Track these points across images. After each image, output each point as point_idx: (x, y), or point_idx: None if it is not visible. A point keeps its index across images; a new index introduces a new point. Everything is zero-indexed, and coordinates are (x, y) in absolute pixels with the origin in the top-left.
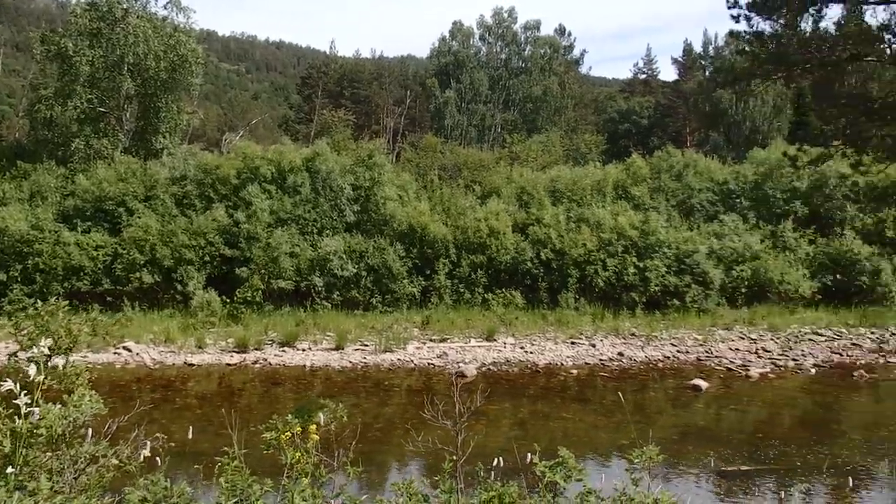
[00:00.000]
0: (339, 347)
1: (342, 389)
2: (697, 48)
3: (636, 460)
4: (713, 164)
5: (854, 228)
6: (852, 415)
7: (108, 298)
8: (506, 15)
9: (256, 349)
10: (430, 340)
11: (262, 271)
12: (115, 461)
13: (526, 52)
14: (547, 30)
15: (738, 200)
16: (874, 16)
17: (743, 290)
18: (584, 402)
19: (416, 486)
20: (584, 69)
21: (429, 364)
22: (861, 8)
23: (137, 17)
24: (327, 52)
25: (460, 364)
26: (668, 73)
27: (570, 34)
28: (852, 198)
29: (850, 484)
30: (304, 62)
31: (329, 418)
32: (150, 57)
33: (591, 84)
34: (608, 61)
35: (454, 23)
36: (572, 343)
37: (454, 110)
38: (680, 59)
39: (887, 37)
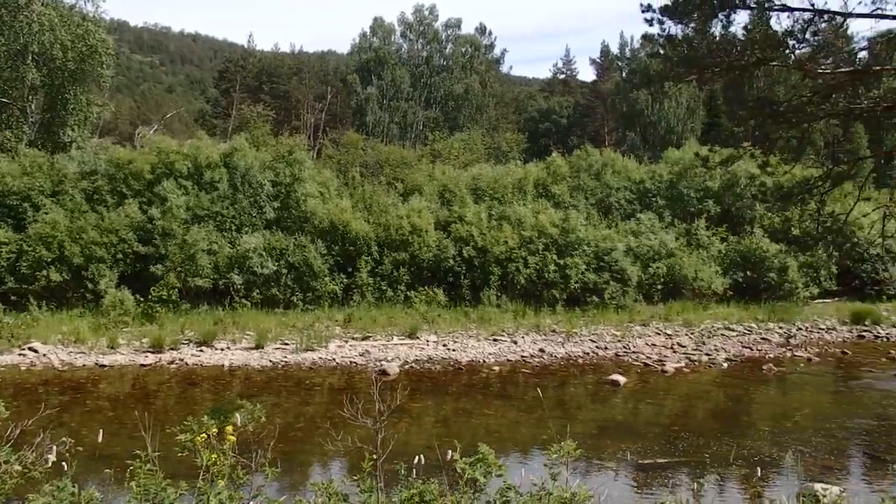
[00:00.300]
0: (258, 346)
1: (262, 389)
2: (615, 50)
3: (554, 455)
4: (630, 163)
5: (763, 227)
6: (761, 407)
7: (13, 298)
8: (427, 12)
9: (172, 349)
10: (353, 339)
11: (179, 269)
12: (17, 467)
13: (447, 50)
14: (468, 28)
15: (654, 199)
16: (779, 22)
17: (659, 287)
18: (506, 399)
19: (337, 485)
20: (504, 68)
21: (351, 362)
22: (767, 14)
23: (43, 4)
24: (245, 46)
25: (383, 362)
26: (586, 74)
27: (490, 33)
28: (760, 197)
29: (759, 473)
30: (221, 55)
31: (246, 419)
32: (57, 47)
33: (512, 83)
34: (528, 61)
35: (375, 19)
36: (494, 340)
37: (376, 107)
38: (598, 60)
39: (791, 42)
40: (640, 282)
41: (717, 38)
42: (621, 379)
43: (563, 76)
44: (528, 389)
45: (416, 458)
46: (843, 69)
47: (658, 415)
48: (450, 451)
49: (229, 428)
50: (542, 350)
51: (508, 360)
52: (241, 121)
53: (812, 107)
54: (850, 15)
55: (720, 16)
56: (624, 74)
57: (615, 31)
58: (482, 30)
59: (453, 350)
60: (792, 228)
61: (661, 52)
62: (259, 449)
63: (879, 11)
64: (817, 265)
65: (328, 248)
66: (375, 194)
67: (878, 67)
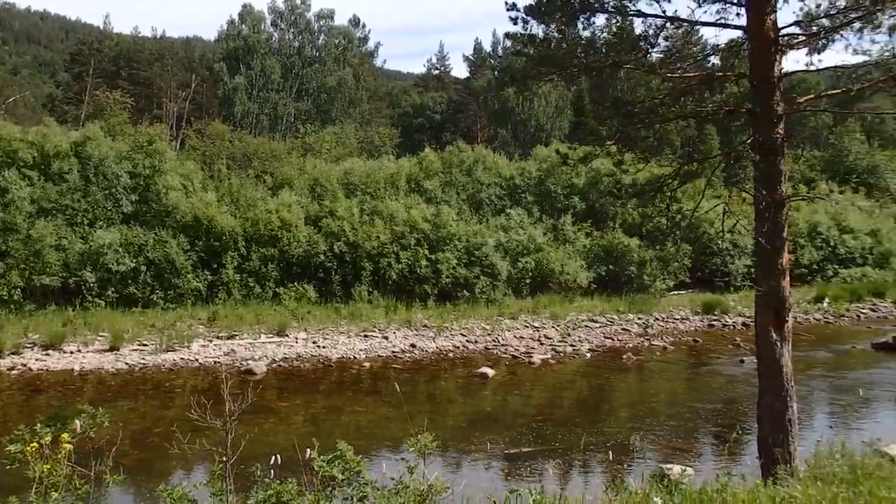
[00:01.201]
0: (113, 348)
1: (118, 394)
2: (487, 48)
3: (411, 449)
4: (501, 160)
5: (623, 223)
6: (621, 394)
7: None
8: (298, 2)
9: (14, 353)
10: (217, 338)
11: (22, 266)
12: None
13: (320, 42)
14: (341, 20)
15: (523, 195)
16: (634, 26)
17: (528, 281)
18: (377, 395)
19: (188, 490)
20: (378, 62)
21: (215, 362)
22: (625, 19)
23: None
24: (101, 28)
25: (249, 361)
26: (460, 71)
27: (364, 26)
28: (615, 194)
29: (611, 457)
30: (74, 36)
31: (87, 425)
32: None
33: (386, 77)
34: (403, 56)
35: (244, 6)
36: (365, 336)
37: (244, 97)
38: (471, 57)
39: (645, 46)
40: (510, 276)
41: (577, 40)
42: (490, 371)
43: (437, 72)
44: (400, 385)
45: (273, 457)
46: (690, 74)
47: (525, 405)
48: (308, 450)
49: (65, 436)
50: (413, 345)
51: (379, 356)
52: (96, 108)
53: (663, 108)
54: (698, 23)
55: (581, 18)
56: (496, 73)
57: (488, 29)
58: (356, 22)
59: (323, 347)
60: (646, 224)
61: (524, 50)
62: (101, 457)
63: (723, 21)
64: (666, 259)
65: (191, 244)
66: (243, 188)
67: (720, 73)
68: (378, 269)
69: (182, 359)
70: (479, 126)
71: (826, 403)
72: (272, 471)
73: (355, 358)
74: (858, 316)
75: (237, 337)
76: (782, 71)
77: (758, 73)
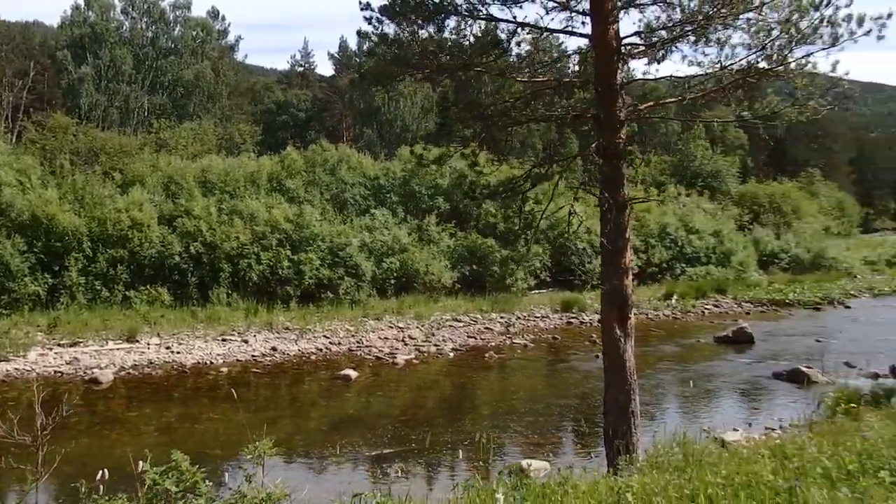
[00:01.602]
0: None
1: None
2: (353, 46)
3: (248, 456)
4: (365, 159)
5: (476, 224)
6: (483, 392)
7: None
8: None
9: None
10: (59, 345)
11: None
12: None
13: (175, 33)
14: (199, 11)
15: (388, 195)
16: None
17: (392, 282)
18: (236, 401)
19: None
20: (239, 56)
21: (55, 372)
22: (476, 22)
23: None
24: None
25: (94, 370)
26: (326, 68)
27: (224, 18)
28: (469, 195)
29: (469, 455)
30: None
31: None
32: None
33: (248, 73)
34: (266, 51)
35: None
36: (223, 340)
37: (91, 89)
38: (336, 55)
39: (495, 51)
40: (375, 276)
41: (427, 41)
42: (353, 373)
43: (301, 69)
44: (260, 389)
45: (100, 472)
46: (539, 78)
47: (388, 406)
48: (140, 462)
49: None
50: (274, 348)
51: (238, 361)
52: None
53: (515, 112)
54: (547, 30)
55: (435, 19)
56: (361, 71)
57: (354, 27)
58: (214, 14)
59: (178, 353)
60: (508, 224)
61: (376, 50)
62: None
63: (570, 28)
64: (518, 259)
65: (29, 245)
66: (88, 185)
67: (568, 79)
68: (237, 271)
69: (16, 369)
70: (345, 125)
71: (673, 394)
72: (100, 486)
73: (212, 363)
74: (703, 311)
75: (81, 344)
76: (624, 79)
77: (601, 80)
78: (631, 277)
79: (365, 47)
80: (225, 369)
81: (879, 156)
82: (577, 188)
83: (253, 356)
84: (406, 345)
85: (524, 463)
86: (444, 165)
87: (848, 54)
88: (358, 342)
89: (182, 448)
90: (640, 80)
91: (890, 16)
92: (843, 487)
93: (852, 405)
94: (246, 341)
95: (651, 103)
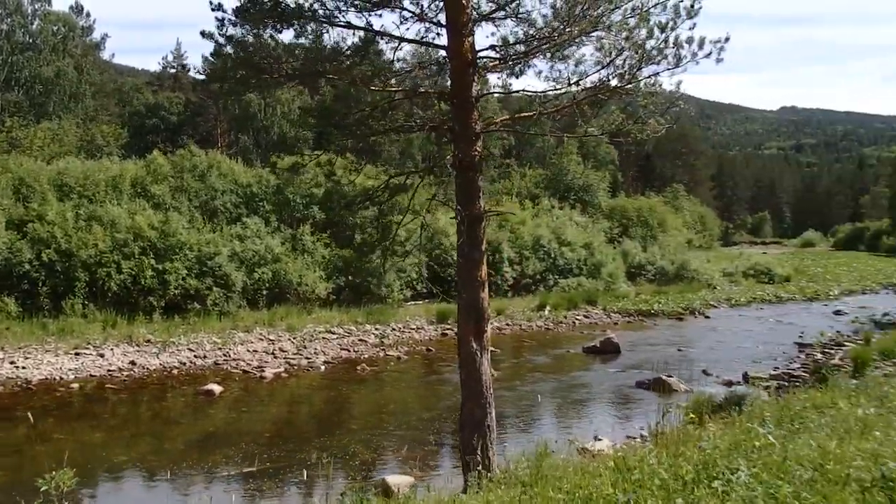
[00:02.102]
0: None
1: None
2: (229, 49)
3: (44, 488)
4: (237, 166)
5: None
6: (353, 406)
7: None
8: None
9: None
10: None
11: None
12: None
13: (34, 27)
14: (60, 6)
15: (261, 204)
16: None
17: (264, 292)
18: (88, 419)
19: None
20: (106, 55)
21: None
22: (317, 27)
23: None
24: None
25: None
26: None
27: (88, 14)
28: (326, 205)
29: (333, 472)
30: None
31: None
32: None
33: (116, 72)
34: (136, 51)
35: None
36: (77, 354)
37: None
38: (210, 57)
39: (350, 59)
40: (245, 287)
41: (275, 46)
42: (217, 388)
43: (173, 70)
44: (116, 406)
45: None
46: (394, 88)
47: (253, 423)
48: None
49: None
50: (133, 363)
51: (93, 376)
52: None
53: (374, 121)
54: (404, 39)
55: (293, 25)
56: (238, 75)
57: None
58: (78, 9)
59: (23, 368)
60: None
61: (223, 51)
62: None
63: (427, 40)
64: (373, 272)
65: None
66: None
67: (424, 90)
68: (95, 280)
69: None
70: (220, 131)
71: (543, 405)
72: None
73: (62, 379)
74: (574, 322)
75: None
76: (479, 91)
77: (457, 92)
78: (487, 290)
79: (211, 49)
80: (76, 385)
81: (738, 173)
82: (429, 200)
83: (109, 371)
84: (276, 358)
85: (390, 479)
86: (299, 174)
87: (710, 77)
88: (225, 355)
89: (16, 473)
90: (494, 93)
91: (728, 39)
92: (679, 499)
93: (698, 415)
94: (102, 355)
95: (507, 117)
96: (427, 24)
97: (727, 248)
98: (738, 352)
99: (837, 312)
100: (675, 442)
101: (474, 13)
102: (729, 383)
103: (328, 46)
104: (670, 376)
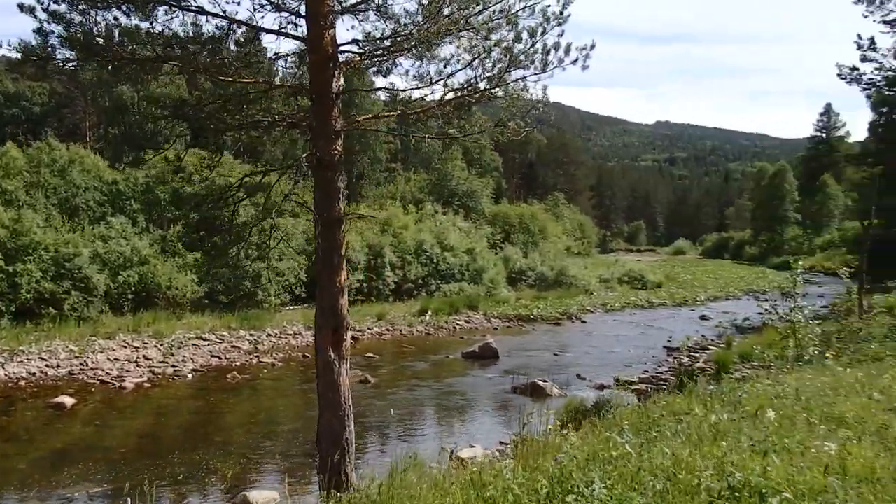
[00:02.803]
0: None
1: None
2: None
3: None
4: (102, 162)
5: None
6: (219, 417)
7: None
8: None
9: None
10: None
11: None
12: None
13: None
14: None
15: (128, 202)
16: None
17: (130, 297)
18: None
19: None
20: None
21: None
22: (184, 14)
23: None
24: None
25: None
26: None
27: None
28: (176, 203)
29: (184, 489)
30: None
31: None
32: None
33: None
34: None
35: None
36: None
37: None
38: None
39: (191, 45)
40: (109, 291)
41: (113, 26)
42: (69, 401)
43: (35, 58)
44: None
45: None
46: (246, 80)
47: (107, 438)
48: None
49: None
50: None
51: None
52: None
53: (229, 115)
54: (262, 29)
55: (142, 7)
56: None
57: None
58: None
59: None
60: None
61: (44, 28)
62: None
63: (286, 31)
64: (219, 275)
65: None
66: None
67: (280, 84)
68: None
69: None
70: (89, 124)
71: (419, 412)
72: None
73: None
74: (455, 327)
75: None
76: (341, 87)
77: (316, 88)
78: (346, 297)
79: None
80: None
81: (615, 183)
82: (281, 201)
83: None
84: (139, 366)
85: (250, 495)
86: (141, 168)
87: (592, 90)
88: (82, 364)
89: None
90: (355, 90)
91: (593, 47)
92: None
93: (567, 420)
94: None
95: (369, 115)
96: (285, 15)
97: (604, 255)
98: (611, 356)
99: (703, 317)
100: (535, 452)
101: (336, 5)
102: (601, 387)
103: (176, 32)
104: (545, 381)
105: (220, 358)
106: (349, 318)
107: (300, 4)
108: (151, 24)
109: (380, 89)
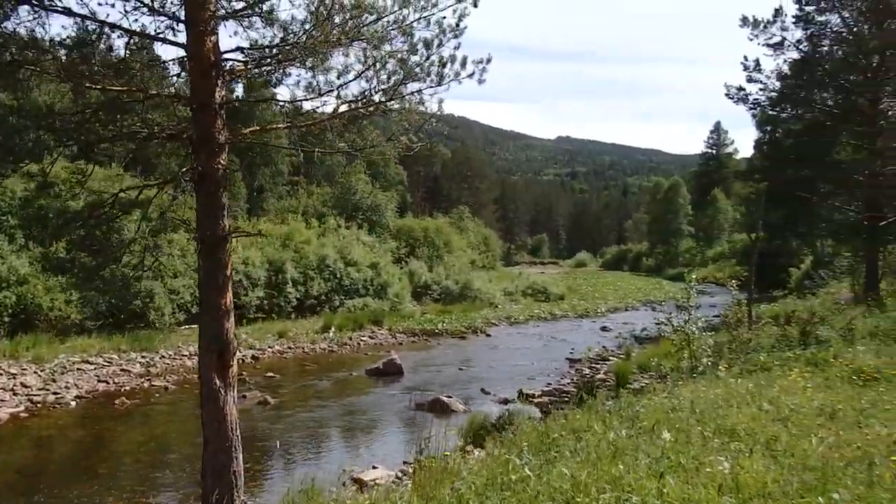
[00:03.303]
0: None
1: None
2: None
3: None
4: None
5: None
6: (104, 447)
7: None
8: None
9: None
10: None
11: None
12: None
13: None
14: None
15: (4, 218)
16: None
17: (7, 319)
18: None
19: None
20: None
21: None
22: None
23: None
24: None
25: None
26: None
27: None
28: (43, 221)
29: None
30: None
31: None
32: None
33: None
34: None
35: None
36: None
37: None
38: None
39: (53, 48)
40: None
41: None
42: None
43: None
44: None
45: None
46: (115, 88)
47: None
48: None
49: None
50: None
51: None
52: None
53: (101, 126)
54: (137, 34)
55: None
56: None
57: None
58: None
59: None
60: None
61: None
62: None
63: (164, 35)
64: (108, 294)
65: None
66: None
67: (155, 92)
68: None
69: None
70: None
71: (319, 433)
72: None
73: None
74: (359, 343)
75: None
76: (224, 97)
77: (197, 97)
78: (233, 320)
79: None
80: None
81: (519, 197)
82: (157, 217)
83: None
84: (16, 395)
85: None
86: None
87: (494, 105)
88: None
89: None
90: (241, 101)
91: (489, 61)
92: None
93: (469, 439)
94: None
95: (257, 128)
96: (163, 19)
97: (509, 268)
98: (515, 369)
99: (604, 328)
100: (433, 478)
101: (220, 9)
102: (505, 401)
103: (35, 35)
104: (449, 397)
105: (107, 383)
106: (236, 342)
107: (180, 8)
108: (14, 26)
109: (264, 100)
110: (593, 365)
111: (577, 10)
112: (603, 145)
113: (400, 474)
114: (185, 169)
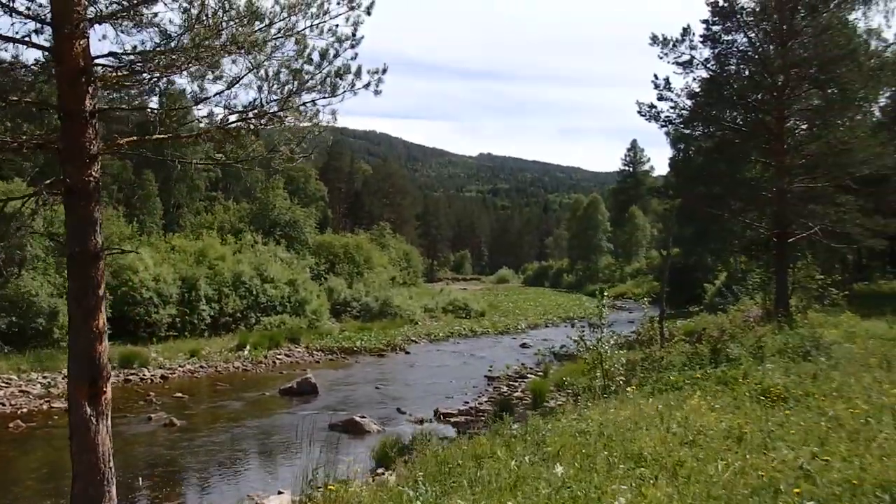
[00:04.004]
0: None
1: None
2: None
3: None
4: None
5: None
6: None
7: None
8: None
9: None
10: None
11: None
12: None
13: None
14: None
15: None
16: None
17: None
18: None
19: None
20: None
21: None
22: None
23: None
24: None
25: None
26: None
27: None
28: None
29: None
30: None
31: None
32: None
33: None
34: None
35: None
36: None
37: None
38: None
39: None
40: None
41: None
42: None
43: None
44: None
45: None
46: None
47: None
48: None
49: None
50: None
51: None
52: None
53: None
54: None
55: None
56: None
57: None
58: None
59: None
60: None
61: None
62: None
63: (28, 39)
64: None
65: None
66: None
67: (16, 99)
68: None
69: None
70: None
71: (226, 456)
72: None
73: None
74: (274, 362)
75: None
76: (96, 105)
77: (66, 105)
78: (106, 343)
79: None
80: None
81: (441, 213)
82: (15, 231)
83: None
84: None
85: None
86: None
87: (418, 122)
88: None
89: None
90: (112, 109)
91: (385, 71)
92: None
93: (376, 462)
94: None
95: (133, 138)
96: (22, 20)
97: (431, 285)
98: (433, 387)
99: (524, 345)
100: None
101: (90, 11)
102: (420, 421)
103: None
104: (364, 417)
105: (3, 405)
106: (109, 367)
107: (45, 9)
108: None
109: (134, 109)
110: (511, 382)
111: (493, 30)
112: (524, 162)
113: (306, 499)
114: (48, 181)
